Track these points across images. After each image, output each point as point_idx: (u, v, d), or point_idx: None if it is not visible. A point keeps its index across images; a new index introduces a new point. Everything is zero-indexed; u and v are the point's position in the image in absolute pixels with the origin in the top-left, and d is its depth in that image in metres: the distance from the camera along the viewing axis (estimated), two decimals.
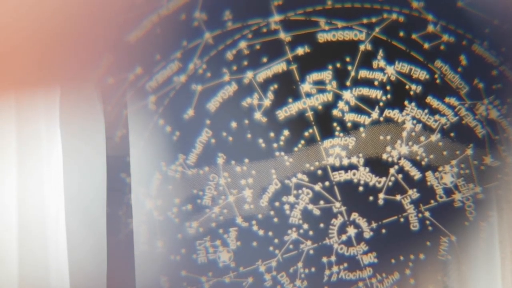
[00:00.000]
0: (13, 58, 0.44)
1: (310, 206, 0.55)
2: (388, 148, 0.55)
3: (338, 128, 0.55)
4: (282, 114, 0.54)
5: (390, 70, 0.55)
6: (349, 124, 0.55)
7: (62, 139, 0.52)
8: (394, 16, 0.55)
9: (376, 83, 0.55)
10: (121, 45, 0.51)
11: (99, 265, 0.53)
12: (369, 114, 0.55)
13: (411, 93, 0.55)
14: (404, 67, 0.55)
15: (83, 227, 0.53)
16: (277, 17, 0.54)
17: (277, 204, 0.54)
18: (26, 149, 0.51)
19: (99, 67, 0.52)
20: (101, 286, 0.53)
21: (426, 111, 0.55)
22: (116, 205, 0.54)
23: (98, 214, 0.53)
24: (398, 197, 0.55)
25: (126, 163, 0.54)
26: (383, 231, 0.55)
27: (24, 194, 0.51)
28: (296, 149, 0.54)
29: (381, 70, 0.55)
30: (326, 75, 0.54)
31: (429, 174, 0.56)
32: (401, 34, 0.55)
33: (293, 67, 0.54)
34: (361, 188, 0.55)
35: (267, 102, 0.54)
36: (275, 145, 0.54)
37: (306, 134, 0.54)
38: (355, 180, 0.55)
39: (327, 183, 0.55)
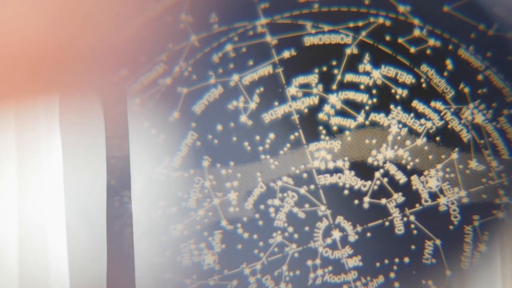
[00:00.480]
0: (11, 60, 0.44)
1: (295, 209, 0.55)
2: (374, 152, 0.56)
3: (323, 132, 0.55)
4: (268, 117, 0.55)
5: (376, 74, 0.56)
6: (334, 128, 0.55)
7: (61, 139, 0.52)
8: (381, 20, 0.55)
9: (362, 87, 0.55)
10: (106, 47, 0.51)
11: (99, 265, 0.53)
12: (354, 118, 0.55)
13: (397, 97, 0.55)
14: (390, 71, 0.56)
15: (83, 228, 0.53)
16: (263, 20, 0.54)
17: (262, 207, 0.55)
18: (26, 148, 0.51)
19: (89, 70, 0.52)
20: (101, 286, 0.53)
21: (412, 115, 0.56)
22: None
23: (98, 215, 0.53)
24: (383, 201, 0.56)
25: (110, 165, 0.54)
26: (368, 234, 0.56)
27: (24, 193, 0.51)
28: (281, 152, 0.55)
29: (367, 74, 0.55)
30: (312, 78, 0.55)
31: (414, 178, 0.56)
32: (388, 38, 0.56)
33: (279, 70, 0.54)
34: (346, 192, 0.55)
35: (253, 105, 0.54)
36: (260, 148, 0.54)
37: (292, 137, 0.55)
38: (341, 184, 0.55)
39: (312, 187, 0.55)
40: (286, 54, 0.55)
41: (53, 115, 0.52)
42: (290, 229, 0.55)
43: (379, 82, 0.55)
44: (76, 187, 0.52)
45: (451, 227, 0.56)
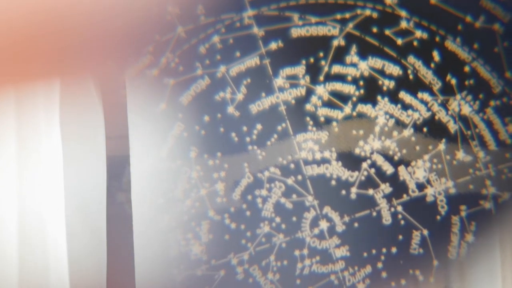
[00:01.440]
0: (12, 52, 0.45)
1: (283, 200, 0.56)
2: (361, 143, 0.56)
3: (311, 123, 0.56)
4: (255, 108, 0.55)
5: (363, 65, 0.56)
6: (322, 119, 0.56)
7: (61, 134, 0.53)
8: (368, 12, 0.56)
9: (349, 78, 0.56)
10: (94, 39, 0.52)
11: (98, 260, 0.54)
12: (342, 109, 0.56)
13: (384, 88, 0.56)
14: (377, 63, 0.57)
15: (82, 223, 0.54)
16: (250, 12, 0.55)
17: (249, 197, 0.56)
18: (26, 144, 0.52)
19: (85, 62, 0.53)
20: (101, 283, 0.54)
21: (399, 106, 0.57)
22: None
23: (97, 210, 0.54)
24: (370, 191, 0.57)
25: None
26: (356, 225, 0.56)
27: (24, 192, 0.52)
28: (269, 143, 0.56)
29: (354, 65, 0.56)
30: (299, 70, 0.56)
31: (401, 168, 0.57)
32: (375, 30, 0.56)
33: (266, 61, 0.55)
34: (333, 182, 0.56)
35: (240, 96, 0.55)
36: (248, 139, 0.55)
37: (279, 128, 0.56)
38: (328, 174, 0.56)
39: (299, 177, 0.56)
40: (273, 45, 0.56)
41: (52, 109, 0.53)
42: (278, 219, 0.56)
43: (366, 73, 0.56)
44: (75, 180, 0.54)
45: (438, 217, 0.57)
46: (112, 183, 0.54)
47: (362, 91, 0.56)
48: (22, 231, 0.51)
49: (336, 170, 0.56)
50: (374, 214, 0.56)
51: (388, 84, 0.56)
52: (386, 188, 0.56)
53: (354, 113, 0.56)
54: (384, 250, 0.56)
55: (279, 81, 0.55)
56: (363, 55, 0.56)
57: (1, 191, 0.51)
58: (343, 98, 0.56)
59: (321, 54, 0.56)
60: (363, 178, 0.56)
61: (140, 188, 0.55)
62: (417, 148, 0.56)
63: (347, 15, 0.56)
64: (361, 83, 0.56)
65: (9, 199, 0.51)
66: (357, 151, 0.56)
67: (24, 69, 0.47)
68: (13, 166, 0.51)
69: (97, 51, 0.50)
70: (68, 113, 0.52)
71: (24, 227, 0.51)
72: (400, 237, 0.56)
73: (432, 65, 0.56)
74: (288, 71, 0.56)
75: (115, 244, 0.54)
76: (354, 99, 0.56)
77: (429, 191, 0.57)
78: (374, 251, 0.56)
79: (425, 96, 0.56)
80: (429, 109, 0.56)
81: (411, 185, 0.57)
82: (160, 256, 0.55)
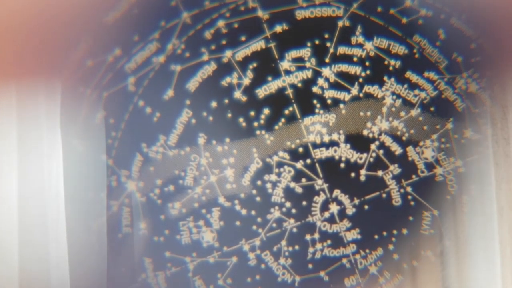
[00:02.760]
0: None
1: (292, 184, 0.57)
2: (369, 124, 0.57)
3: (318, 105, 0.57)
4: (261, 92, 0.56)
5: (368, 46, 0.57)
6: (329, 101, 0.57)
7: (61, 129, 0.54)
8: None
9: (355, 59, 0.57)
10: (98, 27, 0.53)
11: (99, 245, 0.55)
12: (348, 91, 0.57)
13: (390, 68, 0.57)
14: (383, 43, 0.58)
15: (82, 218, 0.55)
16: None
17: (259, 183, 0.56)
18: (26, 140, 0.53)
19: (78, 51, 0.54)
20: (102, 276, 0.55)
21: (405, 86, 0.58)
22: (98, 187, 0.56)
23: (97, 197, 0.55)
24: (379, 173, 0.58)
25: (107, 145, 0.56)
26: (366, 207, 0.58)
27: (24, 187, 0.53)
28: (276, 127, 0.56)
29: (360, 46, 0.57)
30: (305, 52, 0.57)
31: (410, 149, 0.58)
32: (379, 9, 0.57)
33: (272, 45, 0.56)
34: (342, 165, 0.57)
35: (246, 81, 0.56)
36: (255, 123, 0.56)
37: (286, 112, 0.56)
38: (337, 157, 0.57)
39: (308, 161, 0.57)
40: (278, 28, 0.56)
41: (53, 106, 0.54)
42: (288, 204, 0.57)
43: (371, 54, 0.57)
44: (74, 170, 0.54)
45: (448, 197, 0.58)
46: (110, 163, 0.55)
47: (368, 72, 0.57)
48: (22, 223, 0.52)
49: (345, 152, 0.57)
50: (384, 195, 0.57)
51: (394, 64, 0.57)
52: (395, 169, 0.58)
53: (361, 94, 0.57)
54: (395, 231, 0.57)
55: (285, 64, 0.56)
56: (368, 35, 0.57)
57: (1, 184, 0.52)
58: (350, 79, 0.57)
59: (326, 36, 0.56)
60: (371, 159, 0.57)
61: (147, 176, 0.55)
62: (425, 127, 0.57)
63: None
64: (367, 63, 0.57)
65: (9, 192, 0.52)
66: (365, 132, 0.57)
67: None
68: (14, 158, 0.52)
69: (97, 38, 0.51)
70: (67, 112, 0.53)
71: (24, 220, 0.52)
72: (411, 218, 0.57)
73: (438, 43, 0.57)
74: (293, 54, 0.56)
75: (114, 225, 0.55)
76: (361, 80, 0.57)
77: (438, 171, 0.58)
78: (385, 233, 0.57)
79: (432, 75, 0.57)
80: (436, 88, 0.57)
81: (420, 166, 0.58)
82: (171, 244, 0.55)
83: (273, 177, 0.57)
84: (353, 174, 0.58)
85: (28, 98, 0.53)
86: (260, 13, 0.56)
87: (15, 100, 0.53)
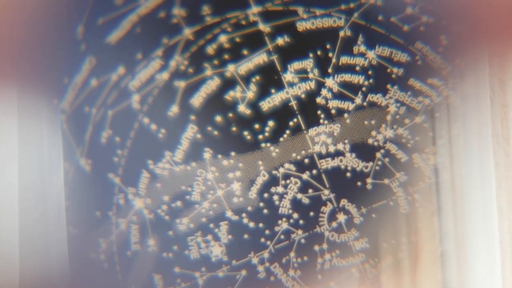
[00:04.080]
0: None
1: (299, 195, 0.58)
2: (373, 133, 0.59)
3: (322, 116, 0.58)
4: (265, 105, 0.57)
5: (371, 54, 0.59)
6: (333, 111, 0.58)
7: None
8: (372, 0, 0.58)
9: (357, 68, 0.58)
10: (102, 46, 0.54)
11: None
12: (352, 100, 0.58)
13: (393, 76, 0.59)
14: (385, 51, 0.59)
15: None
16: (255, 9, 0.57)
17: (266, 195, 0.58)
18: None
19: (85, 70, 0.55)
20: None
21: (409, 93, 0.59)
22: (106, 206, 0.57)
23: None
24: (386, 181, 0.59)
25: (113, 163, 0.57)
26: (373, 215, 0.59)
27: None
28: (281, 139, 0.57)
29: (362, 55, 0.58)
30: (307, 63, 0.58)
31: (415, 156, 0.59)
32: (380, 18, 0.59)
33: (274, 57, 0.57)
34: (348, 174, 0.58)
35: (250, 94, 0.57)
36: (260, 136, 0.57)
37: (291, 123, 0.58)
38: (342, 167, 0.58)
39: (314, 171, 0.58)
40: (280, 41, 0.57)
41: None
42: (295, 215, 0.58)
43: (374, 62, 0.58)
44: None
45: (456, 203, 0.59)
46: (117, 181, 0.56)
47: (371, 81, 0.58)
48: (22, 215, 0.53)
49: (350, 161, 0.58)
50: (391, 203, 0.59)
51: (397, 71, 0.58)
52: (401, 176, 0.59)
53: (365, 103, 0.58)
54: (403, 239, 0.59)
55: (287, 76, 0.57)
56: (370, 44, 0.58)
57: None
58: (353, 88, 0.58)
59: (328, 46, 0.58)
60: (377, 168, 0.59)
61: (154, 193, 0.56)
62: (430, 134, 0.59)
63: (352, 5, 0.58)
64: (370, 72, 0.58)
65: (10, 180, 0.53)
66: (370, 141, 0.58)
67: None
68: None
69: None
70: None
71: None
72: (419, 225, 0.59)
73: (440, 49, 0.58)
74: (296, 65, 0.58)
75: (122, 242, 0.56)
76: (364, 89, 0.58)
77: (445, 176, 0.59)
78: (393, 241, 0.59)
79: (435, 81, 0.58)
80: (439, 94, 0.59)
81: (427, 172, 0.59)
82: (180, 259, 0.57)
83: (280, 189, 0.58)
84: (359, 183, 0.59)
85: (30, 118, 0.55)
86: (261, 26, 0.57)
87: (17, 111, 0.54)
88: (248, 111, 0.57)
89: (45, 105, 0.55)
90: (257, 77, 0.57)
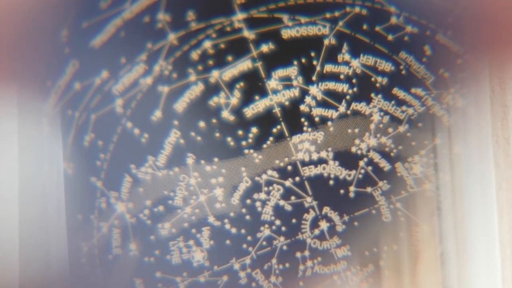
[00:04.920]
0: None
1: (282, 202, 0.59)
2: (357, 141, 0.59)
3: (306, 123, 0.59)
4: (249, 111, 0.58)
5: (355, 63, 0.59)
6: (316, 119, 0.59)
7: None
8: (357, 9, 0.59)
9: (342, 76, 0.59)
10: (86, 50, 0.55)
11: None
12: (336, 108, 0.59)
13: (377, 85, 0.59)
14: (369, 60, 0.60)
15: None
16: (240, 16, 0.57)
17: (248, 201, 0.58)
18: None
19: (65, 73, 0.56)
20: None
21: (393, 102, 0.60)
22: (88, 209, 0.57)
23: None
24: (368, 189, 0.60)
25: (95, 167, 0.57)
26: (356, 223, 0.60)
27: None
28: (265, 146, 0.58)
29: (346, 63, 0.59)
30: (292, 71, 0.58)
31: (398, 165, 0.60)
32: (365, 27, 0.59)
33: (258, 64, 0.58)
34: (331, 182, 0.59)
35: (234, 101, 0.58)
36: (244, 143, 0.58)
37: (275, 130, 0.58)
38: (325, 174, 0.59)
39: (297, 179, 0.59)
40: (265, 48, 0.58)
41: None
42: (278, 222, 0.59)
43: (358, 71, 0.59)
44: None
45: (438, 212, 0.60)
46: (99, 185, 0.57)
47: (355, 89, 0.59)
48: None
49: (334, 169, 0.59)
50: (374, 212, 0.59)
51: (381, 80, 0.59)
52: (384, 185, 0.60)
53: (349, 112, 0.59)
54: (385, 247, 0.59)
55: (272, 83, 0.58)
56: (354, 53, 0.59)
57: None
58: (337, 97, 0.59)
59: (313, 54, 0.58)
60: (360, 176, 0.59)
61: (137, 197, 0.57)
62: (413, 143, 0.59)
63: (336, 14, 0.59)
64: (354, 81, 0.59)
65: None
66: (353, 149, 0.59)
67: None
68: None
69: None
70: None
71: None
72: (401, 234, 0.59)
73: (424, 59, 0.59)
74: (280, 72, 0.58)
75: (104, 246, 0.57)
76: (348, 97, 0.59)
77: (428, 186, 0.60)
78: (375, 249, 0.59)
79: (419, 91, 0.59)
80: (423, 104, 0.59)
81: (409, 181, 0.60)
82: (162, 264, 0.57)
83: (262, 195, 0.59)
84: (342, 191, 0.60)
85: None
86: (246, 33, 0.58)
87: (17, 104, 0.55)
88: (231, 117, 0.58)
89: (27, 107, 0.55)
90: (241, 84, 0.58)
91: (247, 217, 0.58)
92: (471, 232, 0.61)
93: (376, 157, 0.59)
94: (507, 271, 0.60)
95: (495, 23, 0.58)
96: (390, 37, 0.59)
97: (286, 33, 0.59)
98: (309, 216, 0.59)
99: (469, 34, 0.60)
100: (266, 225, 0.59)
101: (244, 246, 0.59)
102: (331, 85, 0.59)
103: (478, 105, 0.61)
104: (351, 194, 0.59)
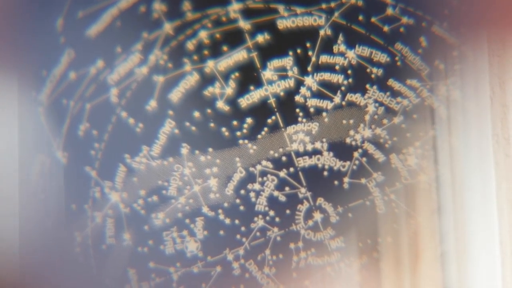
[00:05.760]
0: None
1: (276, 193, 0.59)
2: (352, 132, 0.60)
3: (301, 114, 0.59)
4: (244, 102, 0.58)
5: (350, 54, 0.60)
6: (311, 110, 0.59)
7: None
8: (353, 0, 0.60)
9: (337, 67, 0.59)
10: (82, 39, 0.55)
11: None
12: (331, 99, 0.60)
13: (373, 76, 0.60)
14: (365, 51, 0.60)
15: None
16: (235, 6, 0.58)
17: (242, 192, 0.59)
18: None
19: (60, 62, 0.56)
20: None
21: (388, 93, 0.60)
22: (82, 199, 0.58)
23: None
24: (363, 181, 0.60)
25: (90, 156, 0.58)
26: (350, 215, 0.60)
27: None
28: (259, 136, 0.59)
29: (342, 54, 0.60)
30: (287, 61, 0.59)
31: (393, 156, 0.61)
32: (361, 18, 0.60)
33: (254, 54, 0.58)
34: (325, 173, 0.60)
35: (229, 91, 0.58)
36: (238, 133, 0.58)
37: (269, 121, 0.59)
38: (320, 165, 0.60)
39: (291, 169, 0.59)
40: (260, 38, 0.59)
41: None
42: (272, 213, 0.59)
43: (354, 62, 0.60)
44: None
45: (432, 204, 0.61)
46: (93, 174, 0.57)
47: (350, 80, 0.59)
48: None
49: (328, 160, 0.60)
50: (368, 203, 0.60)
51: (376, 72, 0.60)
52: (378, 176, 0.60)
53: (344, 103, 0.59)
54: (379, 239, 0.60)
55: (267, 74, 0.58)
56: (350, 43, 0.60)
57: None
58: (332, 88, 0.59)
59: (308, 45, 0.59)
60: (355, 167, 0.60)
61: (131, 187, 0.57)
62: (408, 135, 0.60)
63: (332, 4, 0.59)
64: (349, 72, 0.59)
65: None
66: (348, 140, 0.60)
67: None
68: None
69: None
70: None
71: None
72: (395, 225, 0.60)
73: (420, 50, 0.60)
74: (275, 63, 0.59)
75: (97, 235, 0.57)
76: (343, 88, 0.59)
77: (422, 178, 0.60)
78: (369, 241, 0.60)
79: (414, 82, 0.60)
80: (418, 95, 0.60)
81: (404, 173, 0.60)
82: (155, 254, 0.58)
83: (257, 186, 0.59)
84: (336, 182, 0.60)
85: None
86: (241, 23, 0.58)
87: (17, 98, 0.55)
88: (226, 108, 0.58)
89: (23, 96, 0.56)
90: (236, 74, 0.58)
91: (241, 207, 0.59)
92: (471, 231, 0.61)
93: (371, 148, 0.60)
94: (507, 270, 0.61)
95: (492, 14, 0.59)
96: (385, 28, 0.60)
97: (282, 24, 0.59)
98: (303, 207, 0.60)
99: (465, 26, 0.60)
100: (260, 216, 0.59)
101: (238, 236, 0.59)
102: (326, 76, 0.59)
103: (478, 105, 0.61)
104: (346, 185, 0.60)
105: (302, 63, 0.59)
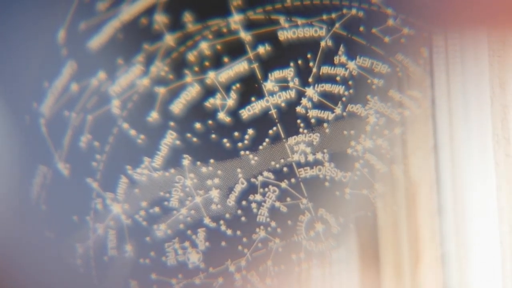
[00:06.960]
0: None
1: (277, 204, 0.60)
2: (353, 143, 0.61)
3: (302, 125, 0.60)
4: (245, 113, 0.59)
5: (351, 65, 0.61)
6: (312, 121, 0.60)
7: None
8: (354, 11, 0.60)
9: (338, 78, 0.60)
10: (83, 51, 0.56)
11: None
12: (332, 110, 0.60)
13: (373, 87, 0.61)
14: (366, 62, 0.61)
15: None
16: (236, 17, 0.58)
17: (244, 203, 0.59)
18: None
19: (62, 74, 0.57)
20: None
21: (389, 104, 0.61)
22: (83, 210, 0.58)
23: None
24: (364, 191, 0.61)
25: (91, 168, 0.58)
26: (351, 225, 0.61)
27: None
28: (261, 147, 0.59)
29: (343, 65, 0.60)
30: (288, 72, 0.59)
31: (394, 167, 0.61)
32: (361, 29, 0.60)
33: (255, 65, 0.59)
34: (327, 184, 0.60)
35: (230, 102, 0.58)
36: (240, 144, 0.59)
37: (271, 132, 0.59)
38: (321, 176, 0.60)
39: (293, 180, 0.60)
40: (261, 49, 0.59)
41: None
42: (273, 223, 0.60)
43: (354, 73, 0.60)
44: None
45: (434, 215, 0.61)
46: (95, 186, 0.58)
47: (351, 91, 0.60)
48: None
49: (329, 171, 0.60)
50: (369, 214, 0.60)
51: (377, 82, 0.60)
52: (380, 187, 0.61)
53: (345, 114, 0.60)
54: (382, 248, 0.60)
55: (268, 85, 0.59)
56: (351, 54, 0.60)
57: None
58: (333, 98, 0.60)
59: (309, 56, 0.59)
60: (356, 178, 0.61)
61: (132, 198, 0.58)
62: (409, 145, 0.61)
63: (333, 15, 0.60)
64: (350, 82, 0.60)
65: None
66: (349, 151, 0.60)
67: None
68: None
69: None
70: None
71: None
72: (398, 235, 0.61)
73: (421, 61, 0.60)
74: (276, 74, 0.59)
75: (99, 247, 0.58)
76: (344, 99, 0.60)
77: (424, 187, 0.61)
78: (371, 251, 0.60)
79: (415, 93, 0.60)
80: (419, 106, 0.61)
81: (405, 182, 0.61)
82: (157, 265, 0.58)
83: (258, 197, 0.60)
84: (337, 193, 0.61)
85: None
86: (242, 34, 0.59)
87: None
88: (228, 119, 0.59)
89: (24, 108, 0.56)
90: (238, 85, 0.59)
91: (243, 218, 0.59)
92: (471, 232, 0.61)
93: (372, 159, 0.60)
94: (507, 271, 0.61)
95: (493, 14, 0.59)
96: (386, 39, 0.60)
97: (283, 35, 0.59)
98: (305, 218, 0.60)
99: (465, 27, 0.61)
100: (262, 227, 0.60)
101: (240, 247, 0.60)
102: (327, 87, 0.60)
103: (479, 106, 0.62)
104: (347, 196, 0.60)
105: (303, 74, 0.60)
